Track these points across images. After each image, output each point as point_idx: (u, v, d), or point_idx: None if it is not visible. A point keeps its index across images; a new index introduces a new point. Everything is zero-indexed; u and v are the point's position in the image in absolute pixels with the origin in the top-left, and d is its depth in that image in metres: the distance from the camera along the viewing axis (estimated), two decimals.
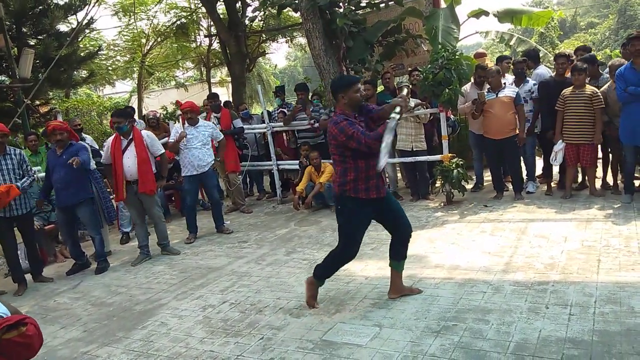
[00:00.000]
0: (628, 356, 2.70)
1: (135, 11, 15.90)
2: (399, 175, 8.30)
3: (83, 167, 5.52)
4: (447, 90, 6.30)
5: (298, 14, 8.97)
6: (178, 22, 16.22)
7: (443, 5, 8.41)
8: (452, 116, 7.30)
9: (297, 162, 7.83)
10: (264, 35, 15.66)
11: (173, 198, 8.86)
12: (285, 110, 8.32)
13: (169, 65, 19.20)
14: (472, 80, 7.02)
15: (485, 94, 6.42)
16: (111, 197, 7.00)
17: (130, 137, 5.90)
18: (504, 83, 6.49)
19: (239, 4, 13.12)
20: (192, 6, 16.29)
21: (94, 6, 13.21)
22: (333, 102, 7.47)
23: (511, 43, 9.59)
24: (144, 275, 5.54)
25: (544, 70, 7.11)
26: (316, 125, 7.62)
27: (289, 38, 16.93)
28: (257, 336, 3.58)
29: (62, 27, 12.63)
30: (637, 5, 39.13)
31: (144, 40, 17.22)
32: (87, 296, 5.11)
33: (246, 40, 13.75)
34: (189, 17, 16.24)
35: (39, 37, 11.47)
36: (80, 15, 12.45)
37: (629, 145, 5.59)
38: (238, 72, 13.38)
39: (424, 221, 6.05)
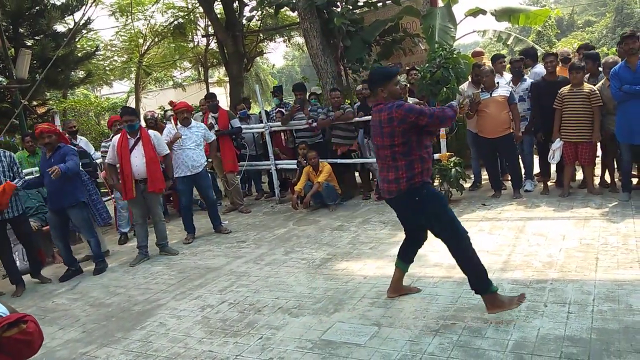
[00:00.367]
0: (626, 354, 2.71)
1: (133, 11, 15.88)
2: None
3: (67, 174, 5.40)
4: (444, 89, 6.30)
5: (295, 14, 8.96)
6: (175, 22, 16.22)
7: (440, 4, 8.42)
8: None
9: (295, 161, 7.83)
10: (261, 35, 15.65)
11: (171, 198, 8.85)
12: (283, 110, 8.31)
13: (166, 65, 19.20)
14: (470, 79, 7.03)
15: (480, 93, 6.43)
16: (110, 197, 6.99)
17: (138, 136, 5.90)
18: (497, 83, 6.50)
19: (236, 4, 13.11)
20: (190, 6, 16.29)
21: (91, 6, 13.19)
22: (328, 102, 7.52)
23: (509, 42, 9.60)
24: (142, 275, 5.53)
25: (542, 69, 7.12)
26: (314, 124, 7.62)
27: (286, 37, 16.92)
28: (256, 336, 3.57)
29: (59, 28, 12.62)
30: (634, 3, 39.20)
31: (141, 41, 17.21)
32: (85, 297, 5.10)
33: (244, 40, 13.73)
34: (186, 17, 16.23)
35: (36, 37, 11.44)
36: (77, 15, 12.44)
37: (626, 144, 5.61)
38: (236, 72, 13.36)
39: None
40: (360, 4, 8.84)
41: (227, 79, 16.58)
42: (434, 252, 4.81)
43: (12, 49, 10.34)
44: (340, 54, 8.24)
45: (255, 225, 7.05)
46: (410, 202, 3.45)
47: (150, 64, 18.39)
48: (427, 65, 6.58)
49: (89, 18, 12.74)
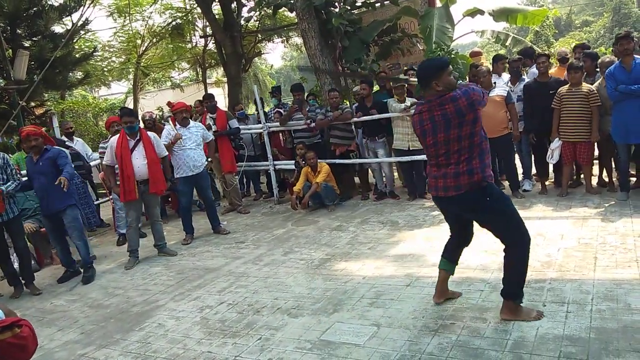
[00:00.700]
0: (625, 353, 2.71)
1: (131, 12, 15.85)
2: (396, 174, 8.30)
3: (71, 178, 5.37)
4: None
5: (294, 14, 8.96)
6: (173, 23, 16.19)
7: (438, 4, 8.42)
8: None
9: (294, 162, 7.82)
10: (259, 36, 15.64)
11: (169, 199, 8.84)
12: (281, 111, 8.31)
13: (164, 66, 19.17)
14: (467, 79, 7.03)
15: None
16: (109, 198, 6.97)
17: (138, 137, 5.89)
18: (494, 83, 6.50)
19: (234, 4, 13.09)
20: (188, 7, 16.27)
21: (88, 7, 13.17)
22: (325, 102, 7.52)
23: (507, 42, 9.61)
24: (140, 276, 5.53)
25: None
26: (312, 125, 7.62)
27: (284, 38, 16.92)
28: (255, 336, 3.57)
29: (57, 29, 12.58)
30: (631, 3, 39.28)
31: (139, 41, 17.17)
32: (84, 298, 5.09)
33: (242, 41, 13.71)
34: (184, 18, 16.21)
35: (33, 38, 11.41)
36: (75, 16, 12.41)
37: (622, 144, 5.62)
38: (234, 72, 13.35)
39: (421, 220, 6.06)
40: (358, 4, 8.84)
41: (225, 79, 16.57)
42: (433, 252, 4.81)
43: (10, 50, 10.32)
44: (338, 54, 8.24)
45: (254, 226, 7.04)
46: (474, 201, 3.23)
47: (148, 64, 18.36)
48: None
49: (86, 19, 12.73)
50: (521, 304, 3.25)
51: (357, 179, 8.37)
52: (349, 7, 8.44)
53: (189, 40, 17.62)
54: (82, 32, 13.73)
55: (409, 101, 6.82)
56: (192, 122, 6.83)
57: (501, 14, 8.43)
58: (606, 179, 6.40)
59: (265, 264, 5.26)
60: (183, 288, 4.89)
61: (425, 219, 6.07)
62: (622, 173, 5.80)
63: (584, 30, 42.49)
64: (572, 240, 4.60)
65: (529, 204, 6.06)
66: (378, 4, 9.28)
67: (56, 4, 11.77)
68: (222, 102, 17.36)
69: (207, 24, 14.74)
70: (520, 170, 6.88)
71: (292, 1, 8.12)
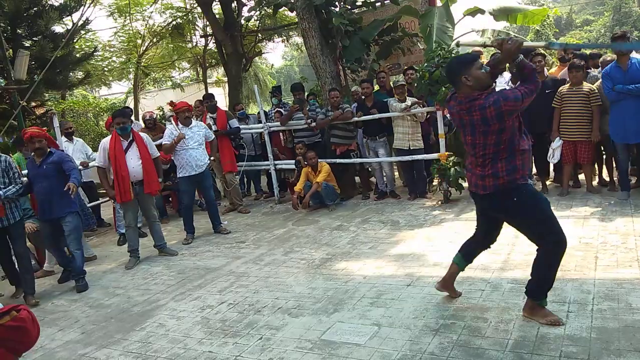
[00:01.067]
0: (626, 352, 2.71)
1: (131, 12, 15.85)
2: (397, 174, 8.30)
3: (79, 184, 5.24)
4: (443, 88, 6.30)
5: (294, 14, 8.96)
6: (174, 23, 16.20)
7: (439, 3, 8.42)
8: (448, 114, 7.31)
9: (294, 161, 7.82)
10: (260, 35, 15.65)
11: (170, 199, 8.85)
12: (281, 110, 8.31)
13: (165, 65, 19.18)
14: None
15: None
16: (108, 198, 6.96)
17: (131, 138, 5.88)
18: (495, 82, 6.49)
19: (234, 4, 13.10)
20: (188, 6, 16.27)
21: (89, 7, 13.17)
22: (322, 100, 7.51)
23: None
24: (141, 276, 5.53)
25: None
26: (313, 124, 7.62)
27: (285, 37, 16.91)
28: (256, 336, 3.57)
29: (58, 29, 12.56)
30: (631, 2, 39.22)
31: (139, 41, 17.18)
32: (84, 298, 5.09)
33: (242, 40, 13.73)
34: (185, 18, 16.22)
35: (34, 38, 11.40)
36: (76, 16, 12.41)
37: (620, 143, 5.63)
38: (234, 72, 13.36)
39: (421, 220, 6.06)
40: (359, 3, 8.85)
41: (225, 79, 16.57)
42: (434, 252, 4.82)
43: (10, 50, 10.32)
44: (338, 53, 8.24)
45: (255, 226, 7.04)
46: (500, 202, 3.19)
47: (148, 64, 18.37)
48: (425, 64, 6.58)
49: (87, 19, 12.71)
50: (544, 306, 3.19)
51: (357, 179, 8.37)
52: (349, 7, 8.45)
53: (189, 39, 17.63)
54: (82, 32, 13.74)
55: (409, 100, 6.82)
56: (194, 122, 6.83)
57: (501, 13, 8.43)
58: (607, 179, 6.40)
59: (266, 263, 5.26)
60: (184, 288, 4.89)
61: (425, 219, 6.07)
62: (622, 172, 5.80)
63: (584, 29, 42.46)
64: (573, 240, 4.58)
65: None
66: (378, 4, 9.29)
67: (56, 4, 11.76)
68: (223, 102, 17.37)
69: (208, 23, 14.74)
70: None
71: (292, 0, 8.12)
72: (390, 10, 8.87)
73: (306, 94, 8.53)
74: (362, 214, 6.78)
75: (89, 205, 8.24)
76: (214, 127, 7.67)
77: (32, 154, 5.35)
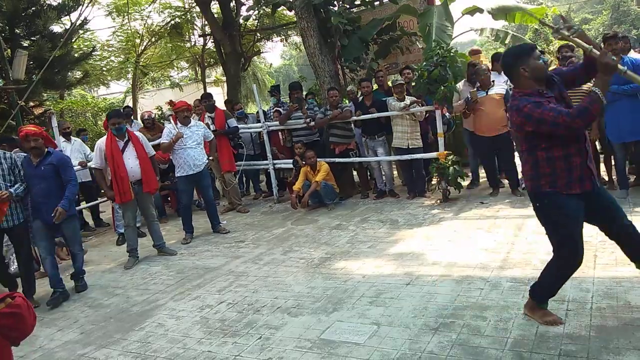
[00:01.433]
0: (625, 351, 2.71)
1: (129, 11, 15.83)
2: (395, 173, 8.31)
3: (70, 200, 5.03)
4: (442, 87, 6.30)
5: (292, 13, 8.95)
6: (172, 22, 16.18)
7: (437, 2, 8.42)
8: (447, 113, 7.32)
9: (292, 160, 7.82)
10: (258, 34, 15.64)
11: (169, 198, 8.84)
12: (280, 109, 8.31)
13: (163, 65, 19.15)
14: (466, 77, 7.04)
15: (476, 92, 6.45)
16: (102, 200, 6.94)
17: (126, 138, 5.87)
18: (493, 81, 6.50)
19: (233, 3, 13.10)
20: (186, 6, 16.25)
21: (87, 7, 13.15)
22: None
23: (506, 41, 9.60)
24: (140, 276, 5.52)
25: None
26: (312, 124, 7.62)
27: (283, 37, 16.91)
28: (255, 336, 3.57)
29: (56, 28, 12.56)
30: (630, 0, 39.25)
31: (138, 41, 17.16)
32: (83, 298, 5.09)
33: (241, 40, 13.72)
34: (183, 17, 16.20)
35: (32, 38, 11.40)
36: (74, 16, 12.39)
37: (617, 143, 5.64)
38: (233, 71, 13.36)
39: (420, 219, 6.06)
40: (358, 2, 8.84)
41: (224, 78, 16.56)
42: (433, 251, 4.82)
43: (9, 50, 10.31)
44: (337, 52, 8.24)
45: (254, 225, 7.04)
46: (534, 205, 3.10)
47: (147, 64, 18.34)
48: (424, 63, 6.58)
49: (85, 18, 12.72)
50: (544, 308, 3.17)
51: (356, 178, 8.37)
52: (348, 6, 8.44)
53: (187, 39, 17.61)
54: (80, 31, 13.74)
55: (408, 99, 6.81)
56: (193, 121, 6.82)
57: (500, 12, 8.43)
58: (605, 177, 6.40)
59: (265, 263, 5.26)
60: (183, 287, 4.88)
61: (424, 218, 6.07)
62: (620, 171, 5.81)
63: (583, 28, 42.45)
64: None
65: (529, 202, 6.04)
66: (377, 3, 9.28)
67: (55, 4, 11.76)
68: (221, 101, 17.34)
69: (206, 23, 14.74)
70: (520, 169, 6.88)
71: (290, 0, 8.11)
72: (389, 9, 8.86)
73: (304, 93, 8.52)
74: (361, 213, 6.78)
75: (86, 205, 8.26)
76: (212, 127, 7.66)
77: (29, 153, 5.08)
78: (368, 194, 7.72)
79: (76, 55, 13.45)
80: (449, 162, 6.52)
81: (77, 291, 5.27)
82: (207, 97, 8.29)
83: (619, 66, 2.74)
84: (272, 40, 17.53)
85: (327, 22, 8.00)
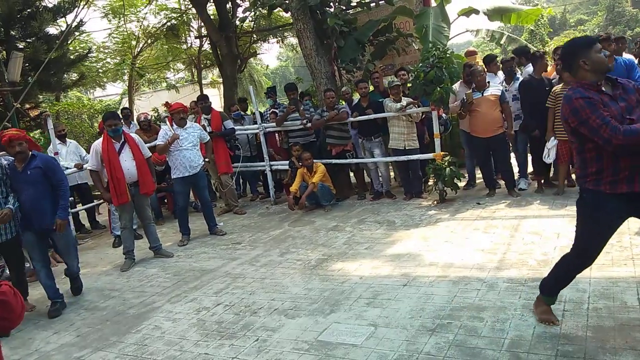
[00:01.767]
0: (622, 351, 2.72)
1: (125, 13, 15.81)
2: (392, 174, 8.31)
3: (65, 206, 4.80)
4: (438, 88, 6.31)
5: (289, 14, 8.96)
6: (168, 24, 16.16)
7: (433, 4, 8.44)
8: (444, 114, 7.33)
9: (288, 162, 7.82)
10: (255, 36, 15.63)
11: (165, 200, 8.83)
12: (276, 111, 8.30)
13: (159, 67, 19.13)
14: (462, 78, 7.06)
15: (472, 93, 6.46)
16: (103, 200, 6.92)
17: (123, 139, 5.85)
18: (488, 82, 6.52)
19: (229, 5, 13.09)
20: (182, 7, 16.23)
21: (83, 8, 13.12)
22: (325, 102, 7.51)
23: (502, 41, 9.64)
24: (137, 278, 5.51)
25: None
26: (308, 125, 7.62)
27: (280, 38, 16.90)
28: (252, 338, 3.56)
29: (51, 30, 12.55)
30: (625, 2, 39.46)
31: (134, 42, 17.13)
32: (79, 300, 5.06)
33: (237, 41, 13.72)
34: (179, 19, 16.18)
35: (27, 40, 11.37)
36: (70, 17, 12.37)
37: None
38: (229, 73, 13.34)
39: (417, 220, 6.06)
40: (353, 4, 8.84)
41: (220, 80, 16.54)
42: (429, 252, 4.82)
43: (4, 52, 10.29)
44: (333, 54, 8.24)
45: (250, 227, 7.03)
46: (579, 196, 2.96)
47: (143, 65, 18.30)
48: (420, 65, 6.59)
49: (81, 20, 12.70)
50: (548, 303, 3.16)
51: (353, 179, 8.37)
52: (344, 7, 8.44)
53: (184, 41, 17.60)
54: (76, 33, 13.70)
55: (404, 101, 6.82)
56: (189, 123, 6.81)
57: (496, 13, 8.47)
58: None
59: (262, 264, 5.25)
60: (179, 290, 4.87)
61: (421, 219, 6.08)
62: None
63: (578, 29, 42.62)
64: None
65: (525, 203, 6.08)
66: (373, 4, 9.29)
67: (50, 5, 11.74)
68: (218, 103, 17.34)
69: (202, 24, 14.72)
70: (516, 169, 6.91)
71: (287, 1, 8.12)
72: (384, 11, 8.88)
73: (299, 92, 8.52)
74: (358, 214, 6.78)
75: (82, 208, 8.24)
76: (208, 129, 7.65)
77: (14, 158, 4.69)
78: (365, 195, 7.72)
79: (72, 57, 13.43)
80: (446, 163, 6.53)
81: (74, 293, 5.16)
82: (203, 99, 8.27)
83: None
84: (269, 42, 17.54)
85: (323, 23, 8.00)
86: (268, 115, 8.44)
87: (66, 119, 15.02)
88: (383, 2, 8.92)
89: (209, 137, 7.14)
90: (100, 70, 17.89)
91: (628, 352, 2.70)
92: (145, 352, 3.63)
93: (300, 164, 7.38)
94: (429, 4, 8.58)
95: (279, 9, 9.37)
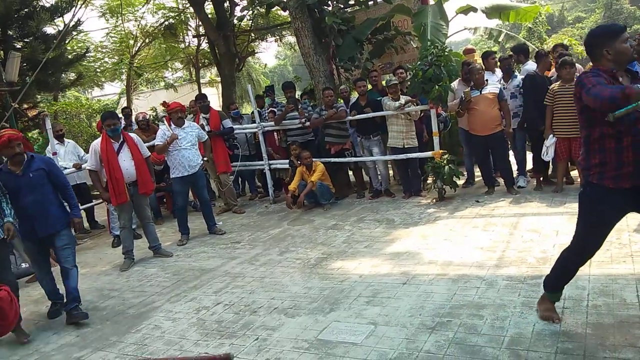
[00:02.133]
0: (621, 348, 2.72)
1: (123, 12, 15.78)
2: (391, 172, 8.31)
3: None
4: (436, 86, 6.31)
5: (287, 13, 8.94)
6: (166, 23, 16.15)
7: (431, 2, 8.42)
8: (443, 112, 7.33)
9: (288, 161, 7.82)
10: (253, 35, 15.61)
11: (164, 200, 8.82)
12: (275, 110, 8.29)
13: (157, 66, 19.10)
14: (461, 77, 7.06)
15: (470, 91, 6.47)
16: (101, 200, 6.91)
17: (121, 139, 5.84)
18: (486, 80, 6.51)
19: (227, 4, 13.06)
20: (180, 6, 16.21)
21: (80, 8, 13.10)
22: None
23: (500, 39, 9.64)
24: (136, 278, 5.50)
25: (534, 66, 7.15)
26: (307, 124, 7.61)
27: (278, 37, 16.89)
28: (252, 337, 3.56)
29: (49, 30, 12.48)
30: None
31: (132, 42, 17.11)
32: None
33: (235, 40, 13.69)
34: (177, 18, 16.16)
35: (25, 40, 11.33)
36: (67, 17, 12.33)
37: None
38: (227, 72, 13.33)
39: (416, 218, 6.06)
40: (352, 2, 8.84)
41: (219, 79, 16.52)
42: (429, 250, 4.82)
43: (1, 52, 10.25)
44: (332, 52, 8.24)
45: (250, 226, 7.03)
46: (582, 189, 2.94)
47: (141, 65, 18.29)
48: (419, 63, 6.59)
49: (78, 20, 12.64)
50: (552, 300, 3.14)
51: (352, 177, 8.37)
52: (342, 6, 8.44)
53: (182, 40, 17.58)
54: (74, 33, 13.65)
55: (403, 99, 6.82)
56: (187, 122, 6.80)
57: (494, 11, 8.47)
58: None
59: (262, 263, 5.25)
60: (179, 289, 4.87)
61: (420, 217, 6.08)
62: None
63: (576, 26, 42.65)
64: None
65: (524, 200, 6.08)
66: (371, 2, 9.27)
67: (48, 5, 11.70)
68: (216, 102, 17.33)
69: (200, 23, 14.70)
70: (515, 167, 6.91)
71: (284, 0, 8.10)
72: (383, 9, 8.87)
73: (299, 92, 8.51)
74: (357, 212, 6.78)
75: (81, 208, 8.21)
76: (207, 128, 7.64)
77: (11, 160, 4.29)
78: (364, 194, 7.73)
79: (70, 56, 13.39)
80: (444, 161, 6.53)
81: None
82: (201, 98, 8.26)
83: None
84: (267, 41, 17.51)
85: (321, 22, 7.99)
86: (266, 114, 8.44)
87: (64, 118, 15.00)
88: (381, 0, 8.91)
89: (207, 137, 7.13)
90: (98, 70, 17.87)
91: (627, 349, 2.70)
92: (145, 351, 3.63)
93: (300, 162, 7.38)
94: (427, 2, 8.57)
95: (276, 7, 9.37)
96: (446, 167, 6.47)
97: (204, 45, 16.56)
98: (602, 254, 4.05)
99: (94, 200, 8.50)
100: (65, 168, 7.07)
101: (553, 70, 6.71)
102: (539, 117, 6.22)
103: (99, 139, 5.88)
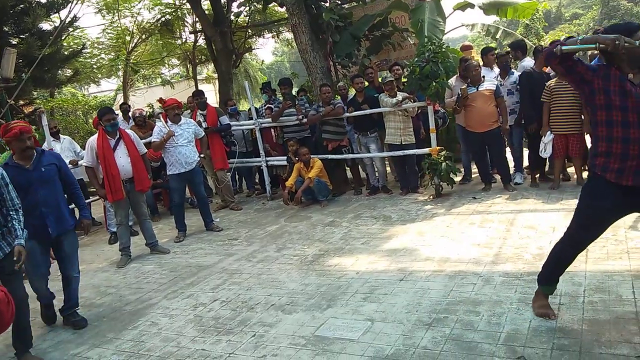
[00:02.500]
0: (617, 344, 2.73)
1: (119, 8, 15.72)
2: (388, 169, 8.32)
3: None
4: (434, 83, 6.31)
5: (284, 9, 8.93)
6: (163, 19, 16.08)
7: None
8: (441, 108, 7.33)
9: (286, 157, 7.81)
10: (250, 31, 15.58)
11: (161, 197, 8.80)
12: (272, 106, 8.28)
13: (154, 62, 19.04)
14: (458, 73, 7.05)
15: (467, 88, 6.47)
16: (98, 197, 6.90)
17: (118, 136, 5.82)
18: (483, 76, 6.51)
19: (223, 0, 13.02)
20: (177, 2, 16.15)
21: (76, 4, 13.02)
22: (316, 98, 7.49)
23: (497, 36, 9.64)
24: (133, 275, 5.50)
25: (531, 63, 7.15)
26: (304, 120, 7.60)
27: (275, 33, 16.85)
28: (249, 333, 3.56)
29: (45, 26, 12.43)
30: None
31: (128, 38, 17.04)
32: None
33: (232, 36, 13.66)
34: (174, 14, 16.10)
35: (21, 36, 11.27)
36: (63, 13, 12.27)
37: None
38: (224, 68, 13.30)
39: (413, 214, 6.07)
40: None
41: (216, 75, 16.49)
42: (425, 246, 4.83)
43: None
44: (329, 49, 8.22)
45: (247, 223, 7.02)
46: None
47: (137, 61, 18.23)
48: (416, 59, 6.58)
49: (75, 16, 12.56)
50: (546, 293, 3.15)
51: (349, 174, 8.37)
52: (339, 2, 8.44)
53: (178, 36, 17.51)
54: (70, 29, 13.57)
55: (400, 95, 6.82)
56: (183, 119, 6.79)
57: (491, 7, 8.46)
58: None
59: (259, 260, 5.25)
60: (176, 286, 4.87)
61: (417, 213, 6.09)
62: None
63: (573, 23, 42.69)
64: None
65: (521, 197, 6.09)
66: None
67: (43, 1, 11.63)
68: (213, 98, 17.29)
69: (197, 19, 14.64)
70: (511, 164, 6.92)
71: None
72: (380, 5, 8.86)
73: (296, 89, 8.49)
74: (355, 209, 6.79)
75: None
76: (204, 124, 7.63)
77: (21, 155, 3.99)
78: (361, 190, 7.73)
79: (66, 53, 13.33)
80: (442, 158, 6.53)
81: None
82: (199, 95, 8.23)
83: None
84: (264, 37, 17.47)
85: (318, 18, 7.98)
86: (264, 110, 8.42)
87: (61, 115, 14.95)
88: None
89: (203, 133, 7.12)
90: (94, 66, 17.78)
91: (623, 345, 2.71)
92: (142, 348, 3.63)
93: (297, 158, 7.37)
94: None
95: (274, 3, 9.35)
96: (443, 164, 6.48)
97: (201, 41, 16.52)
98: (598, 250, 4.08)
99: (90, 197, 8.47)
100: None
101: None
102: (535, 113, 6.23)
103: (95, 136, 5.84)
